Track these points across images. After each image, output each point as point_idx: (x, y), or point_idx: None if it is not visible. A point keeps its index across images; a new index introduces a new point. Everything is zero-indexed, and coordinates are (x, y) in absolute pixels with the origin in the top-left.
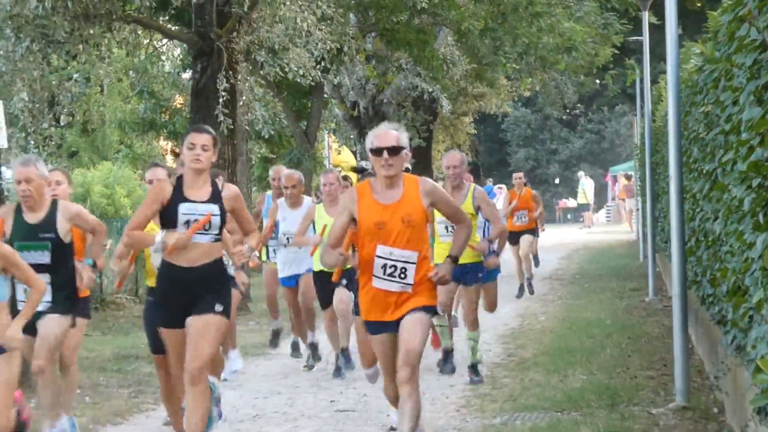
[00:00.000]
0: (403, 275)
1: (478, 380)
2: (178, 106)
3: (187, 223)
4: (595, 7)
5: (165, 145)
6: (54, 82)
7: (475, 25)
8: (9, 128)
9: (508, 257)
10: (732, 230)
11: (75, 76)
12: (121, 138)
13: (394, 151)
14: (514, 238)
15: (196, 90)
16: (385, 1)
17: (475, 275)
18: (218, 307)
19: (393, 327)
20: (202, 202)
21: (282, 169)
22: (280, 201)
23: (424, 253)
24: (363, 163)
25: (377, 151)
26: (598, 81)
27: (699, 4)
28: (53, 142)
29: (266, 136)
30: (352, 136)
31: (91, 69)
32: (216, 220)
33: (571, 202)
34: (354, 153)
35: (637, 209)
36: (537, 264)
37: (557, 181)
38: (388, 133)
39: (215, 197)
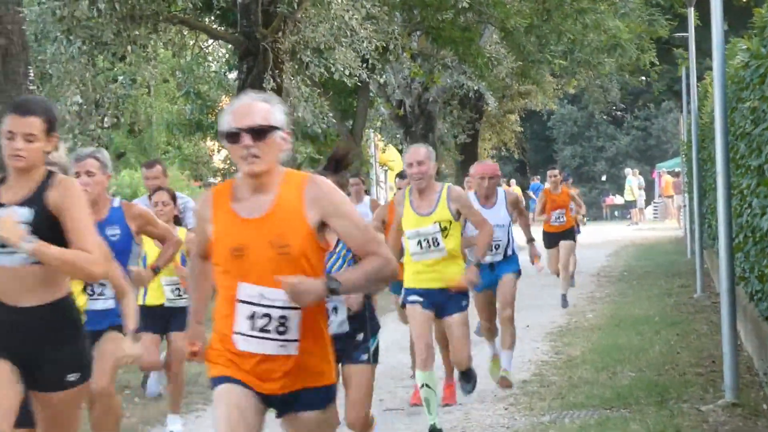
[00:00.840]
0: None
1: None
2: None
3: None
4: (640, 3)
5: (212, 145)
6: (99, 85)
7: (520, 22)
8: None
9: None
10: None
11: (120, 77)
12: (168, 139)
13: (260, 133)
14: (552, 240)
15: (243, 90)
16: (430, 0)
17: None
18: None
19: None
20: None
21: None
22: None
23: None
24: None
25: (232, 136)
26: (643, 78)
27: (745, 0)
28: (99, 144)
29: (318, 130)
30: (398, 135)
31: (138, 70)
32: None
33: (618, 199)
34: (400, 152)
35: (685, 206)
36: (572, 283)
37: (604, 178)
38: (252, 107)
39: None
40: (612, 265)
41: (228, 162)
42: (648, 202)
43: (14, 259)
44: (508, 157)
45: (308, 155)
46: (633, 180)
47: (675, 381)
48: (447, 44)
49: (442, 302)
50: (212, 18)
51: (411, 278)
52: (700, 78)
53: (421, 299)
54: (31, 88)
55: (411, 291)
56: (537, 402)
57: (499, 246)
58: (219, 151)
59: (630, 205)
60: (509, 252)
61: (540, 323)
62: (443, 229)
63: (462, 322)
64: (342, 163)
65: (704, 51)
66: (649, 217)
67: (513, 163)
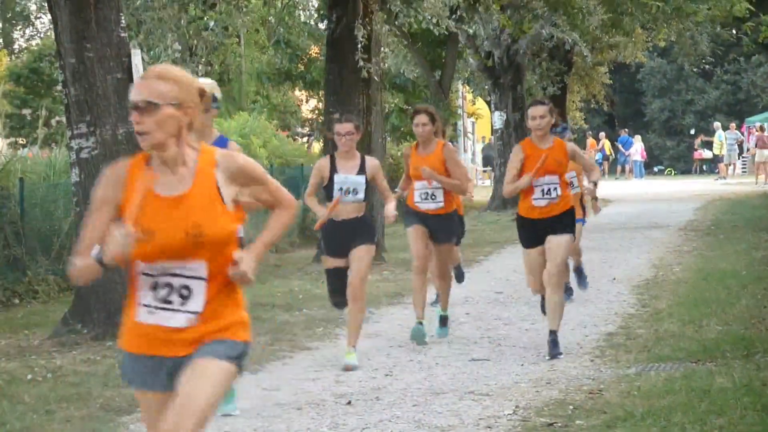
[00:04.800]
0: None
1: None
2: (314, 55)
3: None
4: None
5: (300, 95)
6: (192, 32)
7: None
8: None
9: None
10: None
11: (212, 24)
12: (258, 88)
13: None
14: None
15: (332, 39)
16: None
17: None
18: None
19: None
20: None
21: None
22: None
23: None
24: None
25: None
26: (734, 31)
27: None
28: None
29: (407, 79)
30: (486, 87)
31: (229, 19)
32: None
33: (706, 153)
34: (488, 103)
35: None
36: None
37: (693, 131)
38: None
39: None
40: (699, 219)
41: (316, 112)
42: (739, 156)
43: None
44: (596, 109)
45: (396, 105)
46: (722, 134)
47: (761, 335)
48: None
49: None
50: None
51: None
52: None
53: None
54: (122, 35)
55: None
56: (623, 354)
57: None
58: (307, 101)
59: (719, 159)
60: None
61: (627, 276)
62: None
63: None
64: None
65: None
66: (738, 172)
67: (601, 116)
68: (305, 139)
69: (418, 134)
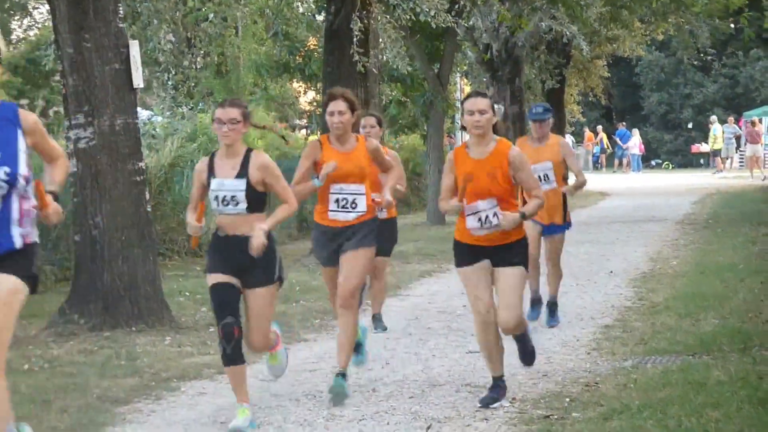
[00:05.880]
0: None
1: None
2: (312, 47)
3: None
4: None
5: (298, 87)
6: (190, 24)
7: None
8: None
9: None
10: None
11: (211, 16)
12: (255, 80)
13: None
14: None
15: (330, 32)
16: None
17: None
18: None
19: None
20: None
21: None
22: None
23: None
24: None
25: None
26: (732, 25)
27: None
28: (190, 83)
29: (405, 72)
30: (484, 79)
31: (227, 10)
32: None
33: (704, 147)
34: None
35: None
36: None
37: (690, 125)
38: None
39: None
40: (697, 213)
41: (314, 104)
42: (736, 150)
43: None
44: (594, 103)
45: (395, 97)
46: (717, 128)
47: (758, 329)
48: None
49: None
50: None
51: None
52: None
53: None
54: (120, 25)
55: None
56: (619, 347)
57: None
58: (305, 92)
59: (716, 153)
60: None
61: (624, 269)
62: None
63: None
64: None
65: None
66: (736, 166)
67: (599, 110)
68: (303, 131)
69: (332, 124)
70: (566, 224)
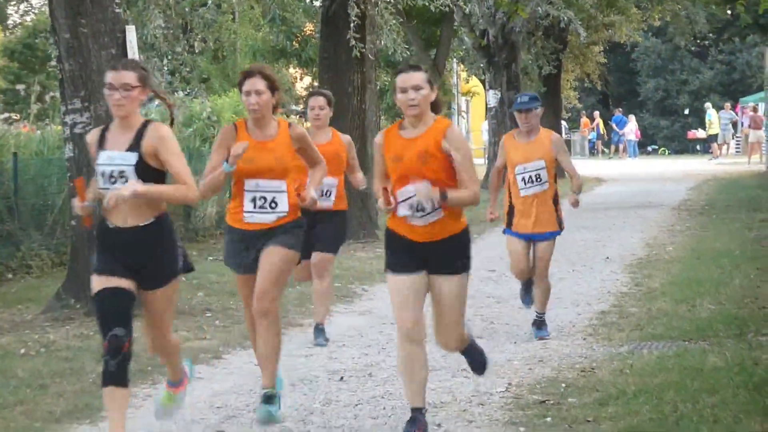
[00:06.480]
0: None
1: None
2: (309, 33)
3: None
4: None
5: (294, 72)
6: (187, 9)
7: None
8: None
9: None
10: None
11: (209, 2)
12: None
13: None
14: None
15: (327, 17)
16: None
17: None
18: None
19: None
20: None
21: None
22: None
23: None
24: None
25: None
26: (729, 11)
27: None
28: (186, 68)
29: (400, 59)
30: (481, 65)
31: None
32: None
33: (700, 133)
34: (483, 82)
35: (767, 140)
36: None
37: (687, 111)
38: None
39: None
40: (693, 199)
41: (310, 90)
42: (732, 137)
43: None
44: (591, 89)
45: (391, 84)
46: (712, 114)
47: (754, 314)
48: None
49: None
50: None
51: None
52: None
53: None
54: (117, 10)
55: None
56: (615, 333)
57: None
58: (302, 78)
59: (711, 139)
60: None
61: (620, 255)
62: None
63: None
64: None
65: None
66: (732, 152)
67: (596, 95)
68: (299, 116)
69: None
70: (557, 231)
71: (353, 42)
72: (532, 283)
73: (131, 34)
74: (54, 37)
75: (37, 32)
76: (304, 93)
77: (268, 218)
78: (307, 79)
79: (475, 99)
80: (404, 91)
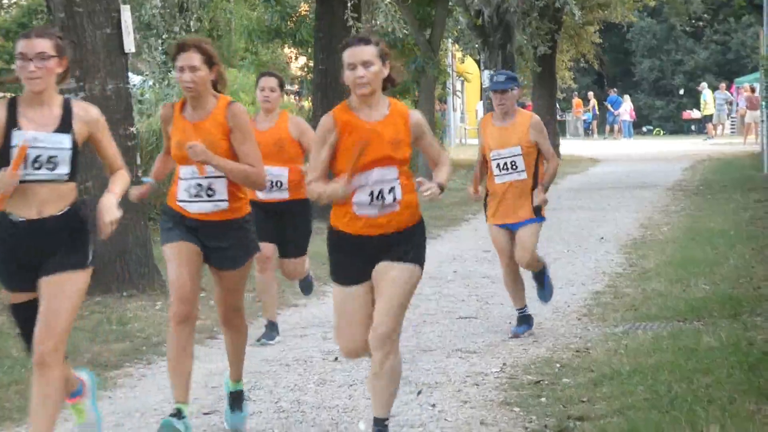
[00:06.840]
0: None
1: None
2: (304, 13)
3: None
4: None
5: (289, 52)
6: None
7: None
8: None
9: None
10: None
11: None
12: (247, 45)
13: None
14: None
15: None
16: None
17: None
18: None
19: None
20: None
21: None
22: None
23: None
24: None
25: None
26: None
27: None
28: None
29: (400, 36)
30: (476, 45)
31: None
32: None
33: (695, 114)
34: (477, 62)
35: (763, 121)
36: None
37: (681, 92)
38: None
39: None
40: (688, 179)
41: (305, 69)
42: (728, 117)
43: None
44: (586, 69)
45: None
46: (708, 94)
47: (749, 295)
48: None
49: None
50: None
51: None
52: None
53: None
54: None
55: None
56: (610, 313)
57: None
58: (296, 58)
59: (706, 119)
60: None
61: (615, 235)
62: None
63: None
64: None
65: None
66: (727, 132)
67: (591, 76)
68: (293, 96)
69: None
70: (539, 217)
71: (351, 21)
72: (541, 274)
73: (126, 13)
74: (49, 16)
75: (32, 12)
76: (299, 72)
77: (205, 207)
78: (302, 59)
79: (470, 79)
80: (353, 67)
